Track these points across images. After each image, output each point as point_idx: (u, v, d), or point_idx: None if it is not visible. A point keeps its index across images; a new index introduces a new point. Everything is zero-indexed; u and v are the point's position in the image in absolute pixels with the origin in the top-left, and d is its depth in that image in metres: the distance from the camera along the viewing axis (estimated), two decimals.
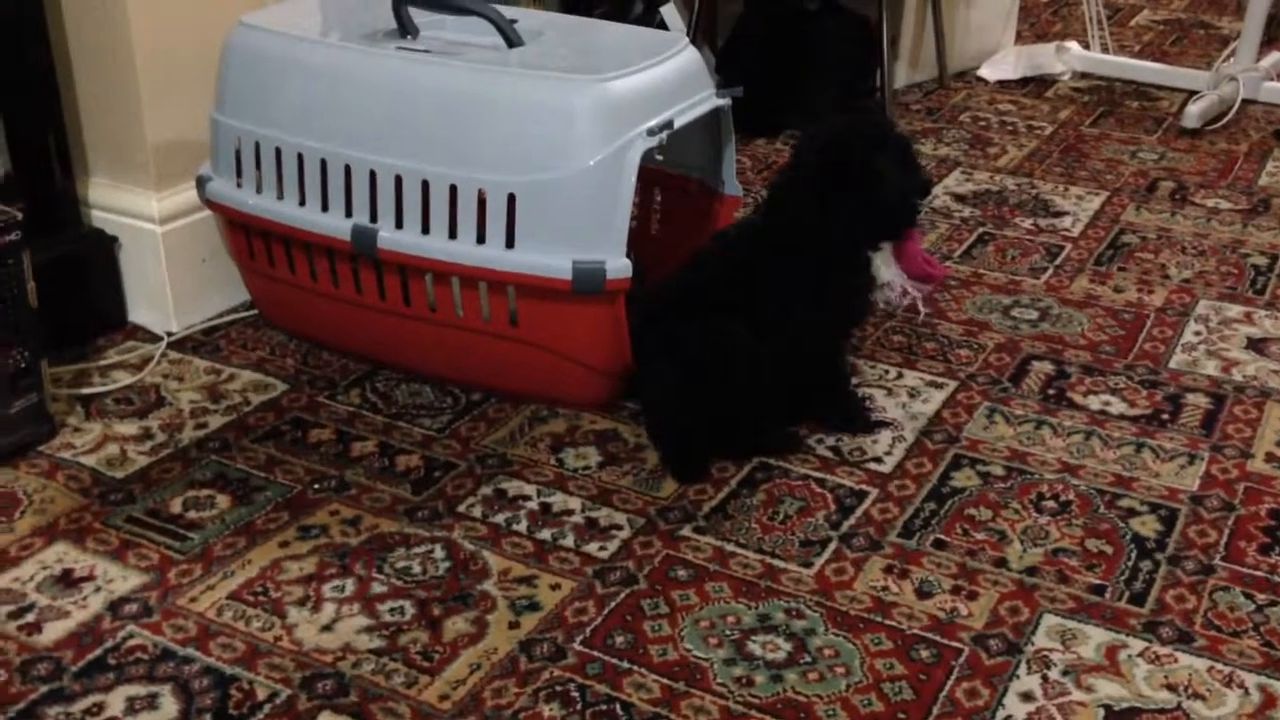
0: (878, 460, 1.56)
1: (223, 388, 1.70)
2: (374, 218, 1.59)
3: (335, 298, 1.69)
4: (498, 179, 1.52)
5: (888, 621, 1.29)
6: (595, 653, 1.25)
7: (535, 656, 1.24)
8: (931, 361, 1.78)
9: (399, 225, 1.58)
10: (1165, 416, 1.66)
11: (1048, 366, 1.77)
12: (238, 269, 1.83)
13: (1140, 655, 1.25)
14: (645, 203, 1.88)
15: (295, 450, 1.57)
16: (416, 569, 1.36)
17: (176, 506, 1.46)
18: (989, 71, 3.05)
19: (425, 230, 1.57)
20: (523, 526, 1.43)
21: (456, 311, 1.60)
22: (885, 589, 1.34)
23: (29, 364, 1.53)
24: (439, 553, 1.39)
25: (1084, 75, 3.07)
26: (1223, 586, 1.35)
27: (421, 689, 1.20)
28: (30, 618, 1.29)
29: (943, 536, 1.42)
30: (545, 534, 1.42)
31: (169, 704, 1.18)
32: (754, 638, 1.27)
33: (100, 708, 1.17)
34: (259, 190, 1.68)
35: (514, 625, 1.28)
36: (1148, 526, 1.44)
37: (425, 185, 1.55)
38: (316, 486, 1.50)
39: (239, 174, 1.70)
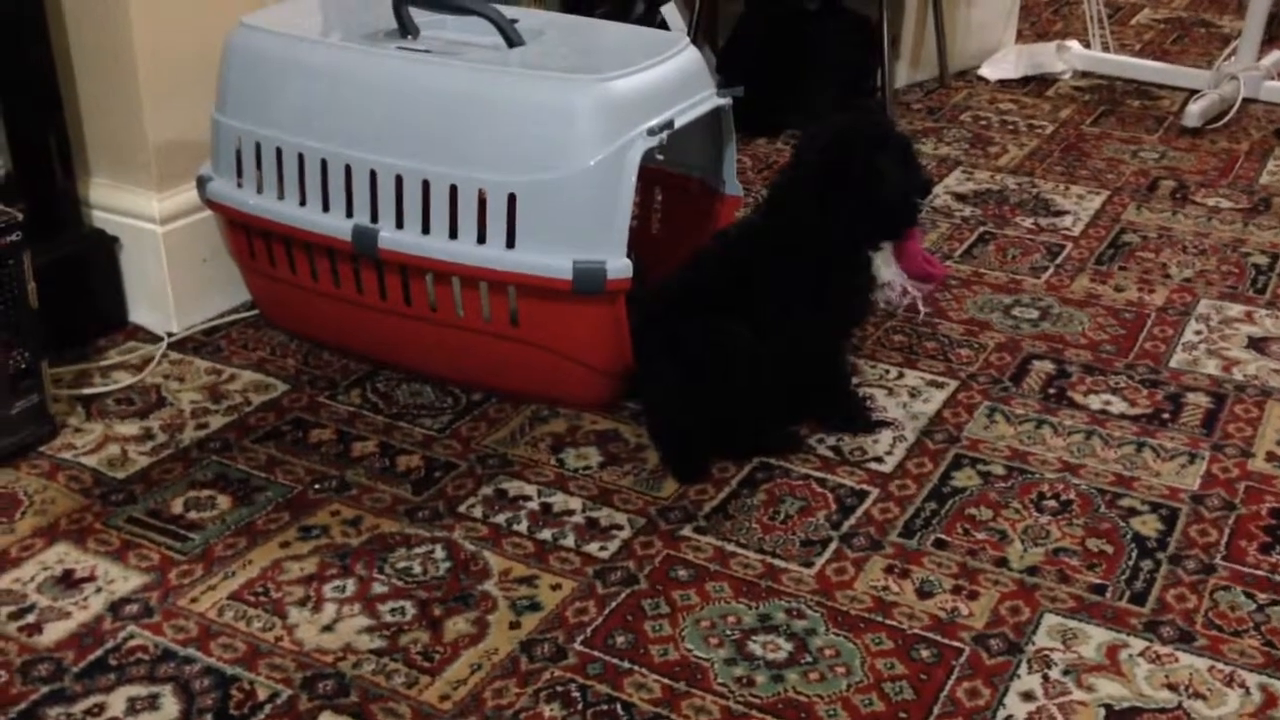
0: (878, 460, 1.56)
1: (223, 388, 1.70)
2: (374, 218, 1.59)
3: (336, 298, 1.69)
4: (498, 179, 1.52)
5: (888, 621, 1.29)
6: (596, 653, 1.25)
7: (536, 657, 1.24)
8: (932, 361, 1.78)
9: (399, 225, 1.58)
10: (1166, 416, 1.66)
11: (1048, 366, 1.77)
12: (238, 269, 1.83)
13: (1141, 655, 1.25)
14: (646, 202, 1.88)
15: (296, 450, 1.57)
16: (417, 569, 1.36)
17: (177, 507, 1.46)
18: (990, 71, 3.05)
19: (426, 230, 1.57)
20: (523, 527, 1.43)
21: (457, 311, 1.60)
22: (886, 589, 1.34)
23: (30, 364, 1.53)
24: (440, 553, 1.39)
25: (1085, 74, 3.06)
26: (1224, 586, 1.35)
27: (422, 689, 1.20)
28: (31, 618, 1.29)
29: (943, 536, 1.42)
30: (546, 534, 1.42)
31: (170, 704, 1.18)
32: (755, 638, 1.27)
33: (101, 708, 1.18)
34: (260, 190, 1.68)
35: (515, 625, 1.28)
36: (1149, 526, 1.44)
37: (426, 185, 1.55)
38: (317, 487, 1.50)
39: (240, 174, 1.70)
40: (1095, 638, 1.27)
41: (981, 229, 2.22)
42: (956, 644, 1.26)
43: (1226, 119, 2.72)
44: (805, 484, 1.51)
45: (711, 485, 1.51)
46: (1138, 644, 1.27)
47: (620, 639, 1.26)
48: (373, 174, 1.58)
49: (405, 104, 1.57)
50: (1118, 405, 1.68)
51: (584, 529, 1.43)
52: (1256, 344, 1.84)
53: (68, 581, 1.34)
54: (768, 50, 2.65)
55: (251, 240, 1.73)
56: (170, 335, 1.82)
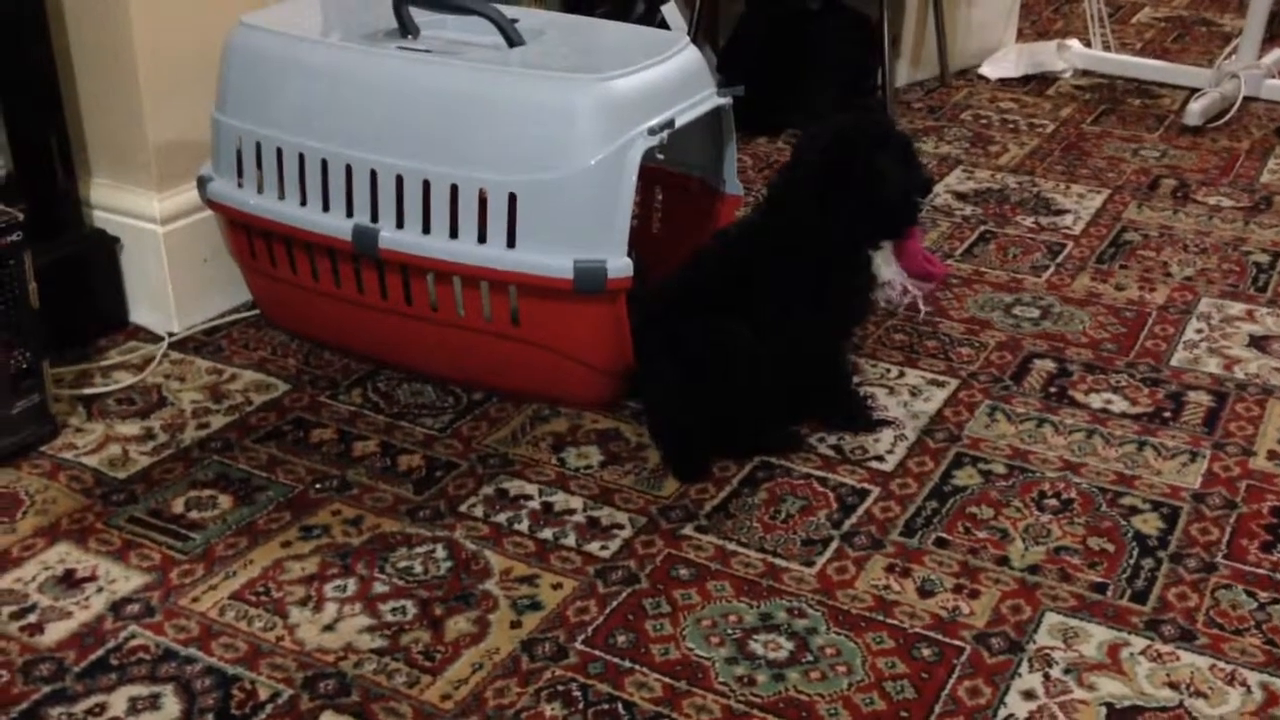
0: (879, 459, 1.56)
1: (224, 388, 1.70)
2: (375, 217, 1.59)
3: (337, 297, 1.69)
4: (499, 178, 1.52)
5: (889, 620, 1.29)
6: (597, 652, 1.25)
7: (537, 656, 1.24)
8: (933, 360, 1.78)
9: (400, 225, 1.58)
10: (1167, 414, 1.66)
11: (1049, 364, 1.77)
12: (239, 269, 1.83)
13: (1142, 653, 1.25)
14: (646, 202, 1.88)
15: (297, 450, 1.57)
16: (418, 569, 1.36)
17: (178, 507, 1.46)
18: (990, 69, 3.05)
19: (426, 230, 1.57)
20: (524, 526, 1.43)
21: (458, 311, 1.60)
22: (887, 588, 1.34)
23: (31, 364, 1.53)
24: (441, 552, 1.39)
25: (1085, 73, 3.06)
26: (1225, 584, 1.35)
27: (423, 689, 1.20)
28: (32, 618, 1.29)
29: (944, 535, 1.42)
30: (547, 533, 1.42)
31: (171, 704, 1.18)
32: (756, 637, 1.27)
33: (102, 708, 1.18)
34: (260, 190, 1.68)
35: (516, 625, 1.28)
36: (1150, 524, 1.44)
37: (426, 185, 1.55)
38: (318, 486, 1.50)
39: (240, 174, 1.70)
40: (1096, 636, 1.27)
41: (982, 228, 2.22)
42: (958, 643, 1.26)
43: (1227, 117, 2.72)
44: (806, 483, 1.51)
45: (712, 484, 1.51)
46: (1139, 642, 1.27)
47: (621, 638, 1.26)
48: (373, 174, 1.58)
49: (405, 104, 1.57)
50: (1119, 404, 1.68)
51: (585, 528, 1.43)
52: (1257, 342, 1.84)
53: (69, 581, 1.34)
54: (768, 49, 2.65)
55: (252, 240, 1.73)
56: (171, 335, 1.82)
